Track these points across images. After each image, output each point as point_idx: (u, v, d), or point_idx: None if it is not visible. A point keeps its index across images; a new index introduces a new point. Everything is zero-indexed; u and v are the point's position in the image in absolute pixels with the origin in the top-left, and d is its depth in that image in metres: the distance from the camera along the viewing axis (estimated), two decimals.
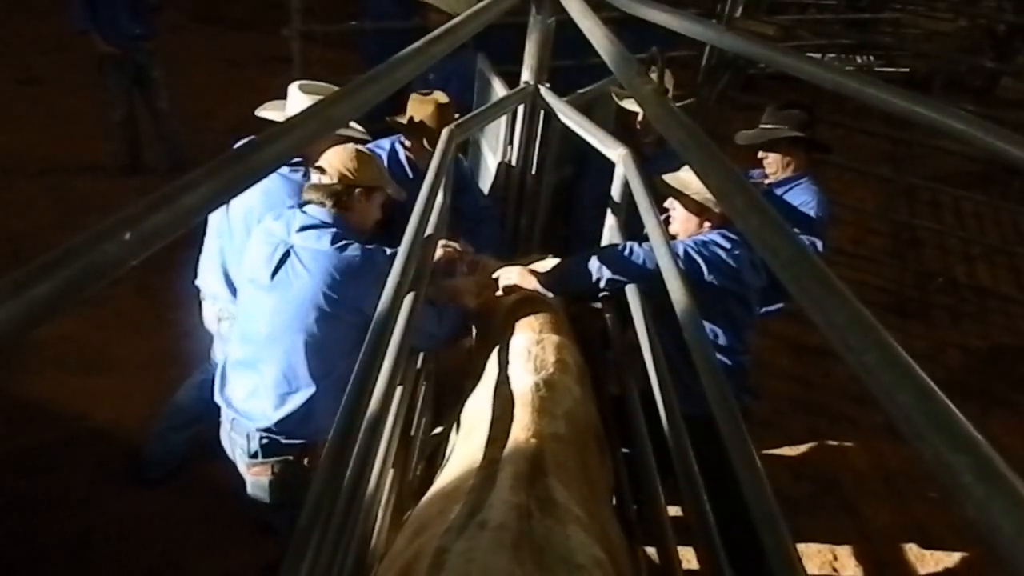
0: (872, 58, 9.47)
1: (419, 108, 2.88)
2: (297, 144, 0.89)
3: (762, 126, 2.99)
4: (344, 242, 2.11)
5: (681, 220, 2.38)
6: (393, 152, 2.94)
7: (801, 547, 3.35)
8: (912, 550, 3.40)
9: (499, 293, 2.14)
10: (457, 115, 2.67)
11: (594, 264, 2.14)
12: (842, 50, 9.20)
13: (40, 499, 2.91)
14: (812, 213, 2.86)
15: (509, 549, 1.09)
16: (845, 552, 3.34)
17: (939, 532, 3.45)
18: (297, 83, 2.61)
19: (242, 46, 7.76)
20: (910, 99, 1.00)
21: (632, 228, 2.25)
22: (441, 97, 2.81)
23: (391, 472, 1.71)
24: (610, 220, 2.30)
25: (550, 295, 2.12)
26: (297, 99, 2.59)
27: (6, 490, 2.92)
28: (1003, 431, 4.03)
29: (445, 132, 2.03)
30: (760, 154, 3.01)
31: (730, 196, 0.87)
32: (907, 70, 9.11)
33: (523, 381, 1.61)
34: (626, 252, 2.12)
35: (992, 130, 0.93)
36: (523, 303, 1.96)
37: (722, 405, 1.23)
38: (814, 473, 3.73)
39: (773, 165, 2.99)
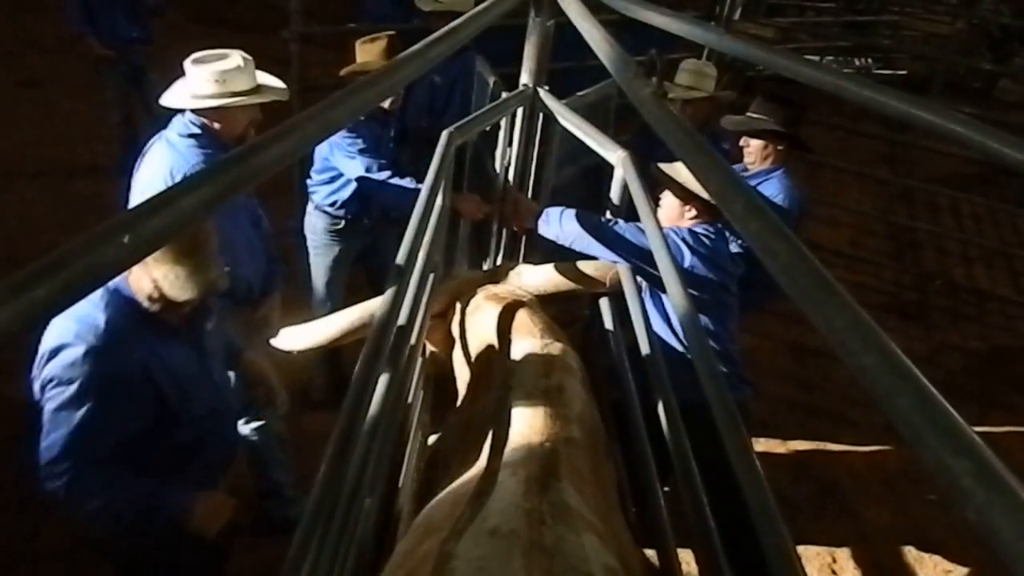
0: (870, 60, 9.49)
1: (369, 50, 2.99)
2: (297, 146, 0.89)
3: (749, 114, 3.08)
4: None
5: (666, 207, 2.46)
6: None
7: (800, 549, 3.34)
8: (912, 552, 3.41)
9: (484, 299, 2.05)
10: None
11: (575, 224, 2.18)
12: (840, 52, 9.21)
13: (40, 501, 2.91)
14: (780, 204, 2.95)
15: (520, 558, 1.07)
16: (844, 554, 3.34)
17: (939, 535, 3.45)
18: (192, 56, 2.48)
19: (241, 48, 7.75)
20: (909, 101, 1.00)
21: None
22: (385, 33, 2.98)
23: (389, 473, 1.70)
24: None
25: (524, 293, 2.09)
26: (194, 74, 2.46)
27: (6, 491, 2.92)
28: (1003, 433, 4.04)
29: (445, 134, 2.02)
30: (742, 141, 3.11)
31: (729, 199, 0.87)
32: (905, 72, 9.13)
33: (532, 385, 1.58)
34: (612, 226, 2.19)
35: (990, 132, 0.93)
36: (515, 309, 1.92)
37: (722, 407, 1.22)
38: (813, 475, 3.73)
39: (752, 154, 3.08)
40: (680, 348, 2.36)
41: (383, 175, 3.11)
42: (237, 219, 2.61)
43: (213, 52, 2.49)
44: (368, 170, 3.11)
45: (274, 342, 2.05)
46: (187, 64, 2.46)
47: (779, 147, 3.05)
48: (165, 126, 2.59)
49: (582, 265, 2.14)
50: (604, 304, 2.24)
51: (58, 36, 5.71)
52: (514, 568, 1.06)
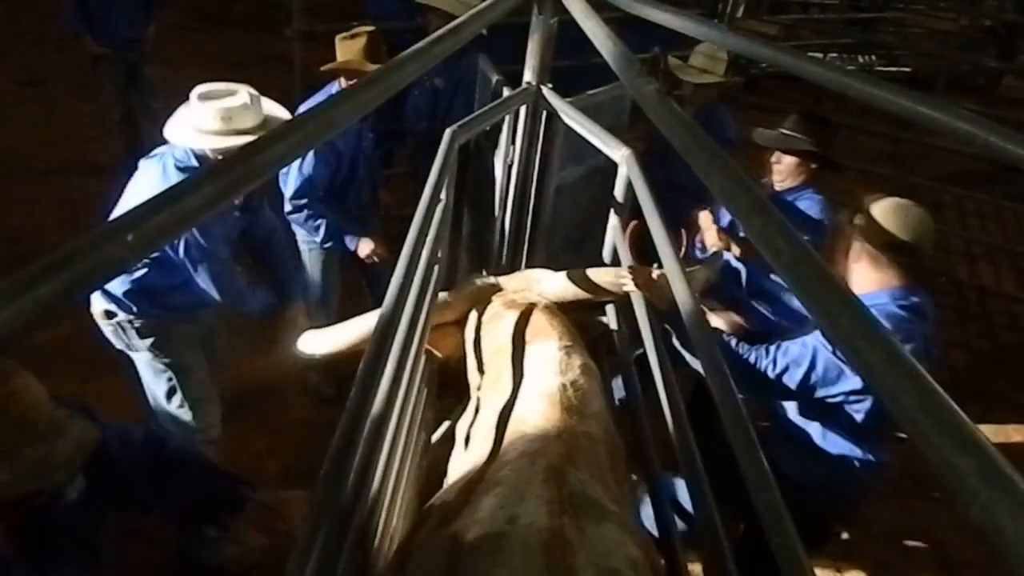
0: (874, 57, 9.46)
1: (349, 47, 3.10)
2: (299, 145, 0.89)
3: (783, 131, 3.05)
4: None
5: (789, 168, 2.94)
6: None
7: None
8: (916, 551, 3.40)
9: (503, 306, 2.02)
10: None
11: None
12: (844, 49, 9.19)
13: None
14: (817, 219, 2.96)
15: (540, 550, 1.06)
16: (847, 552, 3.33)
17: (943, 533, 3.45)
18: (197, 90, 2.46)
19: (244, 46, 7.76)
20: (913, 99, 0.99)
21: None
22: (365, 29, 3.11)
23: (394, 473, 1.70)
24: (612, 220, 2.29)
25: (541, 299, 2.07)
26: (199, 109, 2.43)
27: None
28: (1006, 431, 4.02)
29: (448, 133, 2.02)
30: (774, 157, 3.06)
31: (734, 196, 0.86)
32: (909, 69, 9.10)
33: (550, 382, 1.58)
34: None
35: (995, 129, 0.93)
36: (535, 312, 1.92)
37: (729, 407, 1.22)
38: None
39: (783, 171, 3.05)
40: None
41: (304, 213, 3.25)
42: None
43: (220, 87, 2.46)
44: (298, 195, 3.21)
45: (299, 346, 2.02)
46: (192, 97, 2.43)
47: (812, 166, 3.04)
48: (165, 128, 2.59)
49: (596, 273, 2.08)
50: (611, 311, 2.22)
51: (60, 35, 5.72)
52: (535, 561, 1.04)
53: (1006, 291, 5.64)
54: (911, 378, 0.57)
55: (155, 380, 2.78)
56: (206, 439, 2.87)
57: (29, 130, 5.74)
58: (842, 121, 6.10)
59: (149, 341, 2.69)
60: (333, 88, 3.30)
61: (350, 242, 3.42)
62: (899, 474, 3.75)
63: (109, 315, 2.64)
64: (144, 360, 2.76)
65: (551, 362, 1.65)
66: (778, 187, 3.09)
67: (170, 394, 2.79)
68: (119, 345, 2.74)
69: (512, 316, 1.90)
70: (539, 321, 1.84)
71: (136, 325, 2.65)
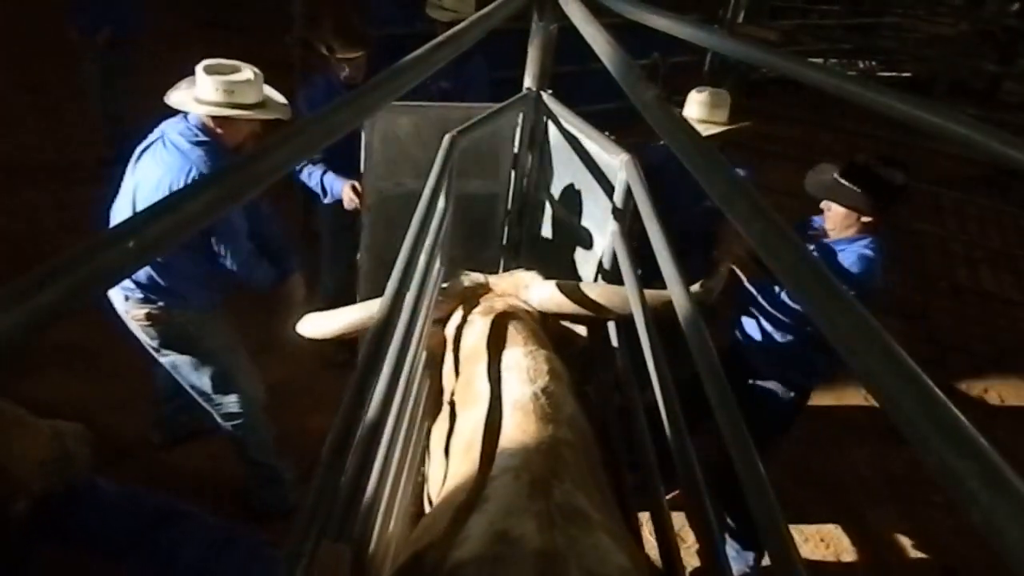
0: (874, 62, 9.47)
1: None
2: (300, 150, 0.89)
3: (838, 178, 2.64)
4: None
5: (838, 218, 2.66)
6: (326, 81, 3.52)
7: (804, 552, 3.35)
8: (916, 554, 3.40)
9: (479, 314, 2.00)
10: None
11: None
12: (844, 54, 9.20)
13: None
14: (852, 273, 2.60)
15: (532, 566, 1.07)
16: (849, 556, 3.33)
17: (943, 537, 3.44)
18: (203, 63, 2.51)
19: (243, 52, 7.76)
20: (913, 103, 1.00)
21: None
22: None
23: (390, 479, 1.70)
24: (612, 226, 2.29)
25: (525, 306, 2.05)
26: (204, 81, 2.49)
27: None
28: (1006, 435, 4.02)
29: (447, 139, 2.02)
30: (823, 204, 2.73)
31: (733, 201, 0.87)
32: (909, 74, 9.11)
33: (521, 391, 1.58)
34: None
35: (994, 134, 0.93)
36: (502, 318, 1.91)
37: (723, 405, 1.22)
38: (817, 477, 3.72)
39: (832, 219, 2.71)
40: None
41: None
42: None
43: (226, 62, 2.53)
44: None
45: (299, 327, 2.06)
46: (198, 70, 2.49)
47: (863, 218, 2.65)
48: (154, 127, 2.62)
49: (589, 288, 2.03)
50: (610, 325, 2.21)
51: (62, 40, 5.73)
52: (527, 573, 1.05)
53: (1006, 296, 5.64)
54: (911, 382, 0.57)
55: (205, 368, 2.80)
56: (263, 405, 2.96)
57: (30, 135, 5.75)
58: (842, 126, 6.14)
59: (199, 331, 2.72)
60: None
61: (336, 186, 3.40)
62: (899, 478, 3.75)
63: (152, 317, 2.65)
64: (190, 354, 2.77)
65: (519, 370, 1.65)
66: (831, 236, 2.74)
67: (221, 377, 2.82)
68: (160, 344, 2.74)
69: (484, 323, 1.89)
70: (506, 327, 1.84)
71: (188, 318, 2.69)
